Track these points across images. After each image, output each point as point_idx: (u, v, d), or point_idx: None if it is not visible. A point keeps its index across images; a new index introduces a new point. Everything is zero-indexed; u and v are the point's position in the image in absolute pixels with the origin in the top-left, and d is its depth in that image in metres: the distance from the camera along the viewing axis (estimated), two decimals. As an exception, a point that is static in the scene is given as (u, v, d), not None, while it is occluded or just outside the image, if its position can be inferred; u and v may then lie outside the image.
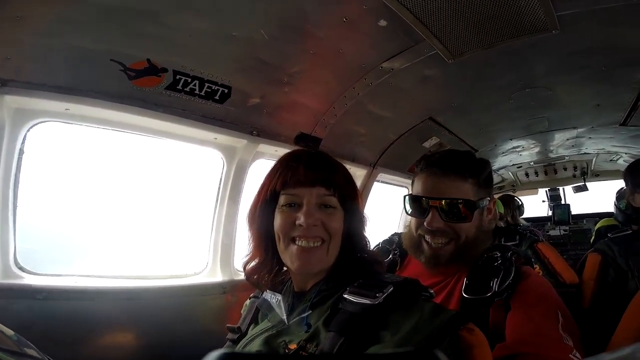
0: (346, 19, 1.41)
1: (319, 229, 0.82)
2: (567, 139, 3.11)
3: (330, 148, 2.10)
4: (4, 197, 1.29)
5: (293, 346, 0.78)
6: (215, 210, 1.85)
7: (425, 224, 1.07)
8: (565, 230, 4.40)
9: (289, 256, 0.83)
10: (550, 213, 4.51)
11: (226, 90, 1.58)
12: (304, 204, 0.82)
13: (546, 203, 4.63)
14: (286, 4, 1.31)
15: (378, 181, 2.72)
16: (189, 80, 1.46)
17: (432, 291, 0.82)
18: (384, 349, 0.67)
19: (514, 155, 3.52)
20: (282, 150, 1.96)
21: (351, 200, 0.88)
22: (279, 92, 1.74)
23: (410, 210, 1.13)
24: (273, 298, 0.91)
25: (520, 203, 3.23)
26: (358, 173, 2.53)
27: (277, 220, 0.84)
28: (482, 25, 1.46)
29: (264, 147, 1.90)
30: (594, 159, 3.72)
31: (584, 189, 4.24)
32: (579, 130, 2.84)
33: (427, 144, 2.68)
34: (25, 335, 0.81)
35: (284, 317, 0.85)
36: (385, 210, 3.05)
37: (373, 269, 0.88)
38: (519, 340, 0.88)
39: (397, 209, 3.13)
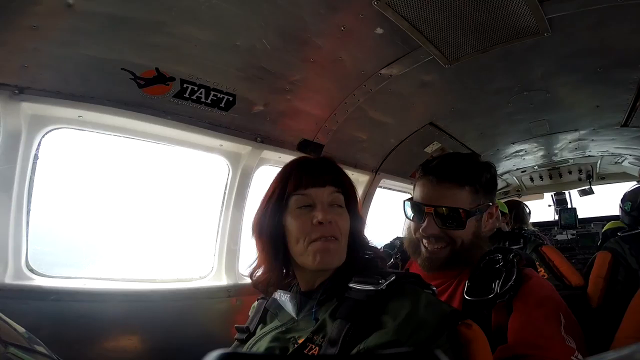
0: (344, 28, 1.47)
1: (333, 227, 0.84)
2: (570, 142, 3.11)
3: (332, 154, 2.13)
4: (18, 201, 1.33)
5: (301, 340, 0.79)
6: (220, 215, 1.89)
7: (420, 230, 1.09)
8: (572, 235, 4.33)
9: (311, 254, 0.83)
10: (556, 217, 4.45)
11: (231, 98, 1.64)
12: (317, 204, 0.85)
13: (552, 207, 4.57)
14: (286, 15, 1.37)
15: (381, 187, 2.74)
16: (196, 88, 1.52)
17: (434, 288, 0.84)
18: (385, 335, 0.69)
19: (517, 159, 3.51)
20: (286, 157, 2.00)
21: (354, 201, 0.93)
22: (281, 99, 1.79)
23: (409, 214, 1.15)
24: (283, 296, 0.92)
25: (528, 211, 3.18)
26: (361, 179, 2.55)
27: (294, 223, 0.85)
28: (475, 30, 1.51)
29: (267, 154, 1.95)
30: (599, 162, 3.69)
31: (589, 192, 4.18)
32: (581, 132, 2.84)
33: (428, 149, 2.70)
34: (35, 334, 0.83)
35: (294, 313, 0.87)
36: (389, 216, 3.06)
37: (377, 266, 0.91)
38: (520, 342, 0.88)
39: (400, 214, 3.13)
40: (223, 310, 1.77)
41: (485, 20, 1.43)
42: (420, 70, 1.80)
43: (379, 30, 1.51)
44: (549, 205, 4.63)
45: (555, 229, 4.44)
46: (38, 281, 1.38)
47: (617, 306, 1.09)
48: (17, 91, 1.25)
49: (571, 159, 3.66)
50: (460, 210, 1.05)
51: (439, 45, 1.59)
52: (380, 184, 2.69)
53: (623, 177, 3.89)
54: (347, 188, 0.91)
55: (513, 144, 3.06)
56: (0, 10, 1.06)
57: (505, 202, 2.95)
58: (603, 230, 2.84)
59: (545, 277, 2.14)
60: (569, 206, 4.44)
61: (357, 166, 2.45)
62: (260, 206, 0.93)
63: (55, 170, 1.47)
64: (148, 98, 1.45)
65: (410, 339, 0.68)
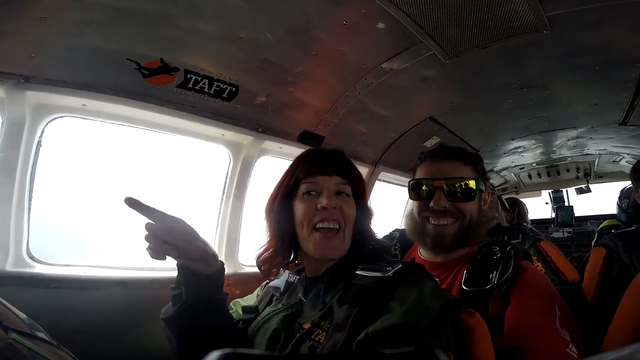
0: (346, 22, 1.49)
1: (337, 213, 0.89)
2: (568, 140, 3.13)
3: (332, 146, 2.14)
4: (20, 189, 1.33)
5: (307, 325, 0.81)
6: (221, 204, 1.91)
7: (431, 204, 1.12)
8: (568, 232, 4.38)
9: (312, 243, 0.89)
10: (553, 215, 4.50)
11: (234, 89, 1.66)
12: (323, 190, 0.90)
13: (549, 205, 4.61)
14: (290, 8, 1.39)
15: (380, 180, 2.77)
16: (199, 79, 1.54)
17: (436, 278, 0.88)
18: (393, 318, 0.71)
19: (515, 156, 3.53)
20: (287, 147, 2.03)
21: (362, 194, 0.97)
22: (283, 91, 1.81)
23: (415, 195, 1.18)
24: (292, 277, 0.97)
25: (525, 209, 3.23)
26: (360, 171, 2.57)
27: (300, 208, 0.91)
28: (475, 27, 1.52)
29: (268, 144, 1.97)
30: (597, 160, 3.71)
31: (586, 190, 4.21)
32: (579, 130, 2.86)
33: (428, 144, 2.72)
34: (35, 321, 0.84)
35: (301, 294, 0.91)
36: (387, 208, 3.09)
37: (382, 256, 0.95)
38: (516, 333, 0.90)
39: (399, 206, 3.16)
40: (223, 299, 1.80)
41: (485, 16, 1.44)
42: (421, 65, 1.81)
43: (381, 25, 1.52)
44: (546, 203, 4.66)
45: (552, 226, 4.49)
46: (39, 269, 1.38)
47: (611, 300, 1.12)
48: (22, 80, 1.27)
49: (569, 157, 3.68)
50: (470, 181, 1.11)
51: (440, 40, 1.61)
52: (379, 177, 2.72)
53: (620, 176, 3.91)
54: (355, 179, 0.96)
55: (512, 140, 3.08)
56: (10, 0, 1.08)
57: (506, 199, 2.99)
58: (599, 228, 2.87)
59: (543, 271, 2.18)
60: (566, 204, 4.48)
61: (357, 159, 2.47)
62: (273, 191, 0.98)
63: (57, 159, 1.48)
64: (152, 88, 1.47)
65: (417, 325, 0.70)
